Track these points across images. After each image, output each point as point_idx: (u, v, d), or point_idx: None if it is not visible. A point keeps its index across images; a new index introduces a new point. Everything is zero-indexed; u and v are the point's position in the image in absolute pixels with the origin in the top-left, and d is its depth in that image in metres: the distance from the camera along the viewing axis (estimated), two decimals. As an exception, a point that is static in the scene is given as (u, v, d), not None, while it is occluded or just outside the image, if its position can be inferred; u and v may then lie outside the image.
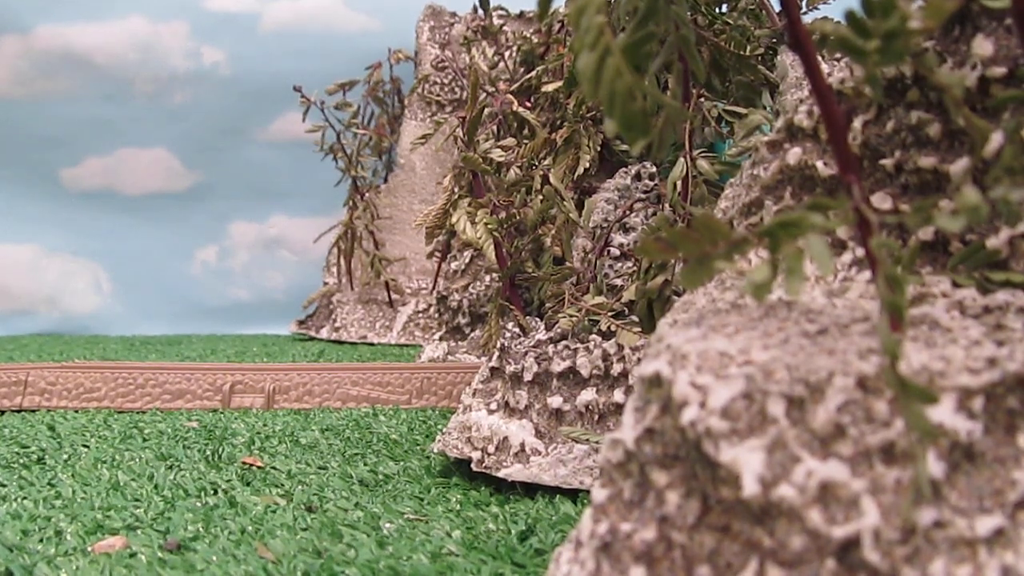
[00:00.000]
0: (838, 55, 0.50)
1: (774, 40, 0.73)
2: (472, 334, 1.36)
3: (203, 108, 2.17)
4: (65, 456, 0.73)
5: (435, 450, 0.68)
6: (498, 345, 0.70)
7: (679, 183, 0.65)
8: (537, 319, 0.77)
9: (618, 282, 0.78)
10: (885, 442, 0.26)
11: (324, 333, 1.81)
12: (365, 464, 0.70)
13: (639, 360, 0.65)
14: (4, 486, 0.63)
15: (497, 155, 0.95)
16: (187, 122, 2.17)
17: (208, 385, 0.98)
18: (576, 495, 0.60)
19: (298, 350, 1.57)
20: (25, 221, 2.12)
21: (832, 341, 0.29)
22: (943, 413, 0.26)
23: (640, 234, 0.83)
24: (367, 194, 1.85)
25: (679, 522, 0.28)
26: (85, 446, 0.77)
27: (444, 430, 0.70)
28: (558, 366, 0.67)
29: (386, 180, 1.95)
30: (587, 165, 1.02)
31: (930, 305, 0.32)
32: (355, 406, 0.98)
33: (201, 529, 0.53)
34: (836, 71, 0.39)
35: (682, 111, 0.33)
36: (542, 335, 0.71)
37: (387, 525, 0.53)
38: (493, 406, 0.68)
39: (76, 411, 0.94)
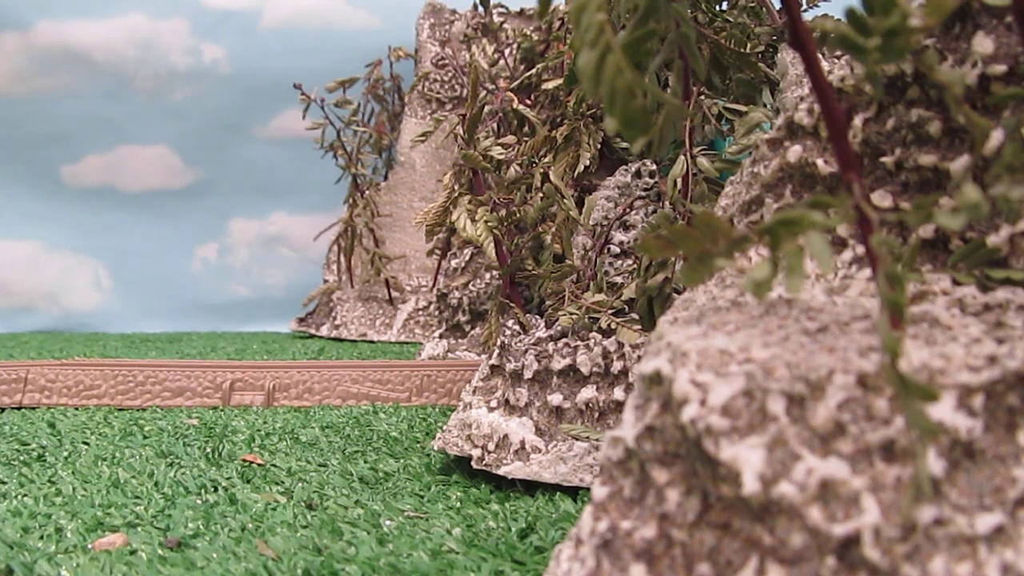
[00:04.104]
0: (838, 53, 0.50)
1: (774, 38, 0.73)
2: (472, 332, 1.36)
3: (203, 105, 2.17)
4: (65, 453, 0.73)
5: (435, 448, 0.68)
6: (498, 343, 0.70)
7: (679, 181, 0.65)
8: (537, 317, 0.77)
9: (618, 280, 0.78)
10: (885, 440, 0.26)
11: (324, 331, 1.81)
12: (365, 461, 0.70)
13: (639, 358, 0.65)
14: (4, 483, 0.63)
15: (497, 152, 0.95)
16: (187, 119, 2.17)
17: (208, 383, 0.98)
18: (576, 493, 0.60)
19: (298, 347, 1.57)
20: (25, 218, 2.12)
21: (832, 339, 0.29)
22: (943, 411, 0.26)
23: (640, 232, 0.83)
24: (367, 191, 1.85)
25: (679, 520, 0.28)
26: (85, 443, 0.77)
27: (444, 428, 0.70)
28: (558, 364, 0.67)
29: (386, 177, 1.95)
30: (587, 163, 1.02)
31: (930, 303, 0.32)
32: (355, 404, 0.98)
33: (201, 526, 0.53)
34: (836, 69, 0.39)
35: (682, 109, 0.33)
36: (542, 333, 0.71)
37: (387, 522, 0.53)
38: (493, 404, 0.68)
39: (76, 408, 0.94)
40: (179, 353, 1.49)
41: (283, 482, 0.64)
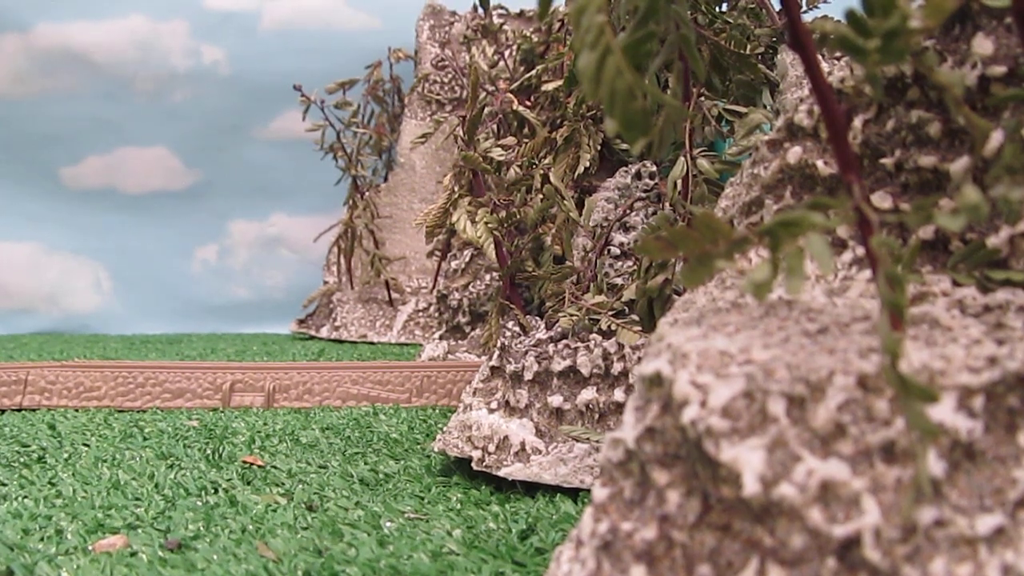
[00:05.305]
0: (838, 54, 0.50)
1: (774, 39, 0.73)
2: (472, 333, 1.36)
3: (203, 107, 2.17)
4: (66, 455, 0.73)
5: (435, 449, 0.68)
6: (498, 344, 0.70)
7: (679, 182, 0.65)
8: (537, 318, 0.77)
9: (618, 281, 0.78)
10: (886, 441, 0.26)
11: (324, 332, 1.81)
12: (365, 463, 0.70)
13: (639, 359, 0.65)
14: (5, 485, 0.63)
15: (497, 154, 0.95)
16: (187, 121, 2.17)
17: (208, 384, 0.98)
18: (576, 494, 0.60)
19: (298, 349, 1.57)
20: (25, 219, 2.12)
21: (833, 340, 0.29)
22: (944, 412, 0.26)
23: (640, 233, 0.83)
24: (367, 193, 1.85)
25: (680, 521, 0.28)
26: (85, 445, 0.77)
27: (444, 429, 0.70)
28: (558, 365, 0.67)
29: (386, 179, 1.95)
30: (587, 164, 1.02)
31: (930, 304, 0.32)
32: (355, 405, 0.98)
33: (202, 528, 0.53)
34: (836, 70, 0.39)
35: (682, 110, 0.33)
36: (542, 334, 0.71)
37: (388, 524, 0.53)
38: (493, 405, 0.68)
39: (76, 410, 0.94)
40: (179, 355, 1.49)
41: (283, 484, 0.64)
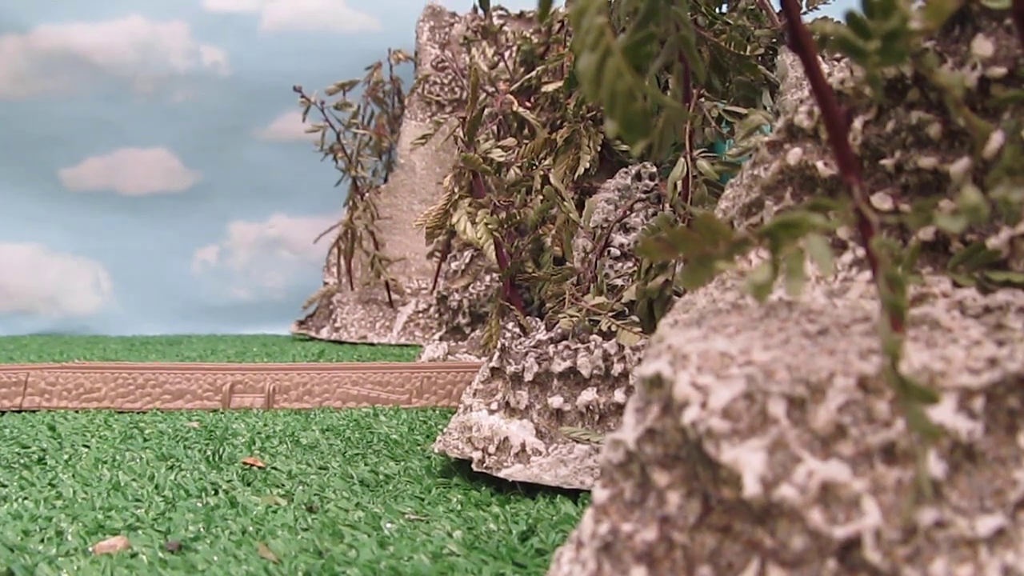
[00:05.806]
0: (838, 55, 0.50)
1: (774, 40, 0.73)
2: (472, 334, 1.36)
3: (203, 108, 2.17)
4: (66, 456, 0.73)
5: (436, 450, 0.68)
6: (498, 345, 0.70)
7: (679, 183, 0.65)
8: (537, 319, 0.77)
9: (619, 282, 0.78)
10: (886, 442, 0.26)
11: (324, 333, 1.81)
12: (366, 464, 0.70)
13: (640, 360, 0.65)
14: (5, 486, 0.63)
15: (497, 155, 0.95)
16: (187, 122, 2.17)
17: (208, 385, 0.98)
18: (577, 495, 0.60)
19: (298, 350, 1.57)
20: (25, 221, 2.12)
21: (833, 341, 0.29)
22: (944, 413, 0.26)
23: (640, 234, 0.83)
24: (367, 194, 1.85)
25: (680, 522, 0.28)
26: (86, 446, 0.77)
27: (444, 430, 0.70)
28: (559, 366, 0.67)
29: (386, 180, 1.95)
30: (587, 165, 1.02)
31: (931, 305, 0.32)
32: (355, 406, 0.98)
33: (202, 529, 0.53)
34: (836, 71, 0.39)
35: (682, 111, 0.33)
36: (542, 335, 0.71)
37: (388, 525, 0.53)
38: (494, 406, 0.68)
39: (76, 411, 0.94)
40: (179, 356, 1.49)
41: (284, 485, 0.64)
